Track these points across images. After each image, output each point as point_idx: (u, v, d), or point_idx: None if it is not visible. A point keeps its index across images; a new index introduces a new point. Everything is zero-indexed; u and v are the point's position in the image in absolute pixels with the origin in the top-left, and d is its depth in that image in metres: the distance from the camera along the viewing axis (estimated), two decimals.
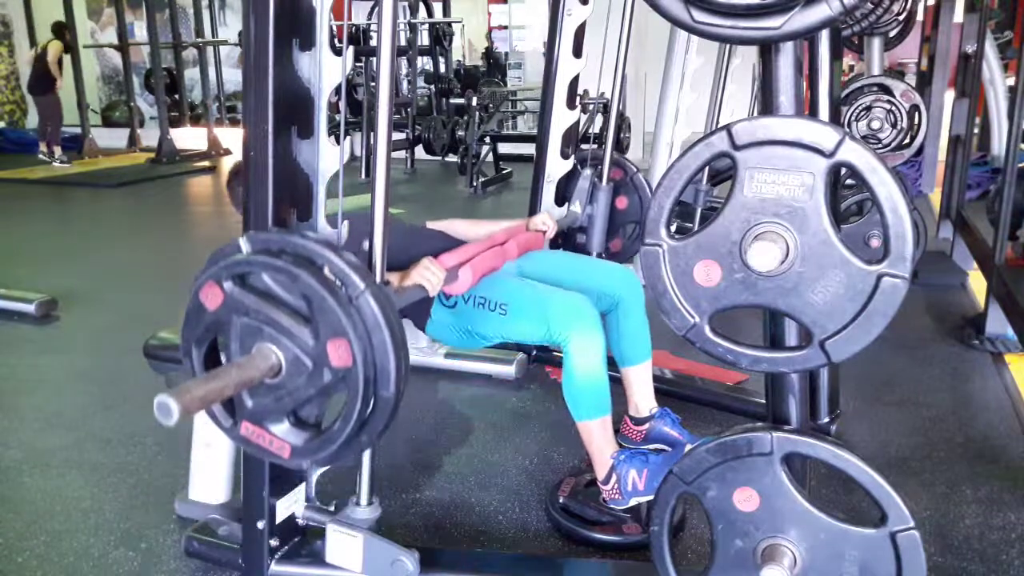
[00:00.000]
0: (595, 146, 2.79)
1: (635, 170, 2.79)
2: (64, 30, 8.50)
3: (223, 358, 1.35)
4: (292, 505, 1.64)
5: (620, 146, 7.32)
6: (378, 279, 1.43)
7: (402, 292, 1.59)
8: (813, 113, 1.79)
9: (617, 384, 2.11)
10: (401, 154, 8.15)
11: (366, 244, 1.45)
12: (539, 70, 2.88)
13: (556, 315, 1.75)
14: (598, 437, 1.80)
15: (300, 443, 1.30)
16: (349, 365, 1.23)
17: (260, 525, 1.58)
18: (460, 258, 1.80)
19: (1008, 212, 3.02)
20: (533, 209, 2.81)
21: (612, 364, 2.07)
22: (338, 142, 1.53)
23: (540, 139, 2.78)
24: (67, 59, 8.64)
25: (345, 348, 1.23)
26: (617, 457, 1.79)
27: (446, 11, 9.58)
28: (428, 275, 1.64)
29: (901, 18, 3.86)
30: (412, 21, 8.53)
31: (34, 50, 8.76)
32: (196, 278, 1.33)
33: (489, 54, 10.77)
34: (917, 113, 3.52)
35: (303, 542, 1.67)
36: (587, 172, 2.60)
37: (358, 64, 7.83)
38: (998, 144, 5.32)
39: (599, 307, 2.03)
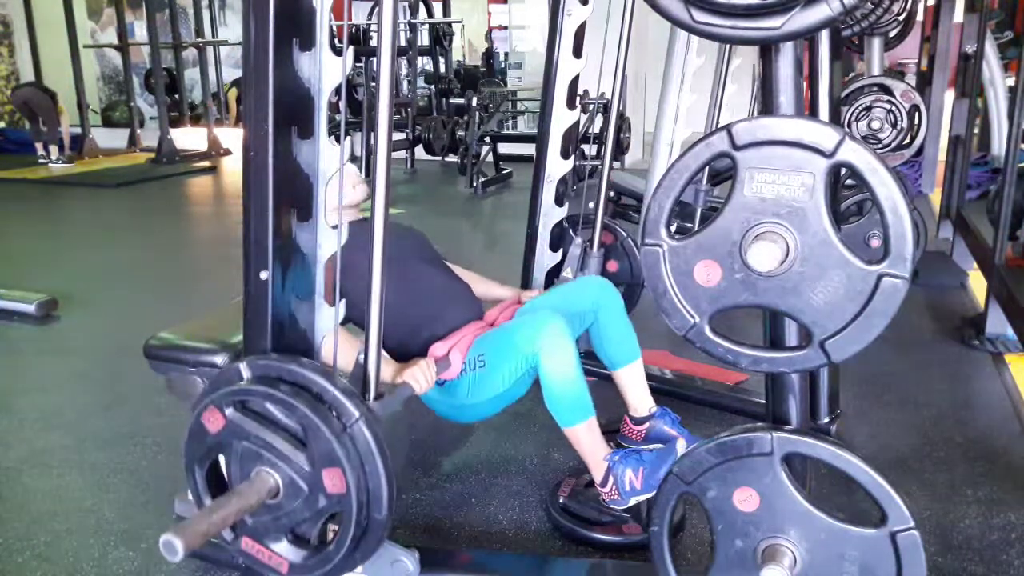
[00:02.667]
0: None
1: (625, 235, 2.89)
2: None
3: (225, 471, 1.44)
4: None
5: (620, 146, 7.32)
6: (372, 395, 1.47)
7: (396, 394, 1.61)
8: (813, 113, 1.79)
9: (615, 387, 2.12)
10: (401, 154, 8.15)
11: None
12: (539, 70, 2.87)
13: (521, 336, 1.76)
14: (587, 440, 1.79)
15: (298, 560, 1.39)
16: (343, 492, 1.32)
17: None
18: (450, 344, 1.85)
19: (1008, 212, 3.02)
20: (533, 210, 2.80)
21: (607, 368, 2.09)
22: (338, 142, 1.53)
23: (540, 139, 2.78)
24: (67, 59, 8.64)
25: (339, 477, 1.31)
26: (611, 458, 1.79)
27: (446, 11, 9.57)
28: (420, 376, 1.67)
29: (901, 18, 3.86)
30: (412, 21, 8.52)
31: None
32: (197, 403, 1.43)
33: (489, 54, 10.77)
34: (917, 113, 3.52)
35: None
36: (578, 240, 2.67)
37: (358, 64, 7.83)
38: (998, 144, 5.32)
39: (584, 325, 2.08)
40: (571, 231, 2.80)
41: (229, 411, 1.38)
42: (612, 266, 2.92)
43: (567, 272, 2.66)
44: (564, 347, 1.73)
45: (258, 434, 1.35)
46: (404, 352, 1.90)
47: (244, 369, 1.40)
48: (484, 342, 1.86)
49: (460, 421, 2.01)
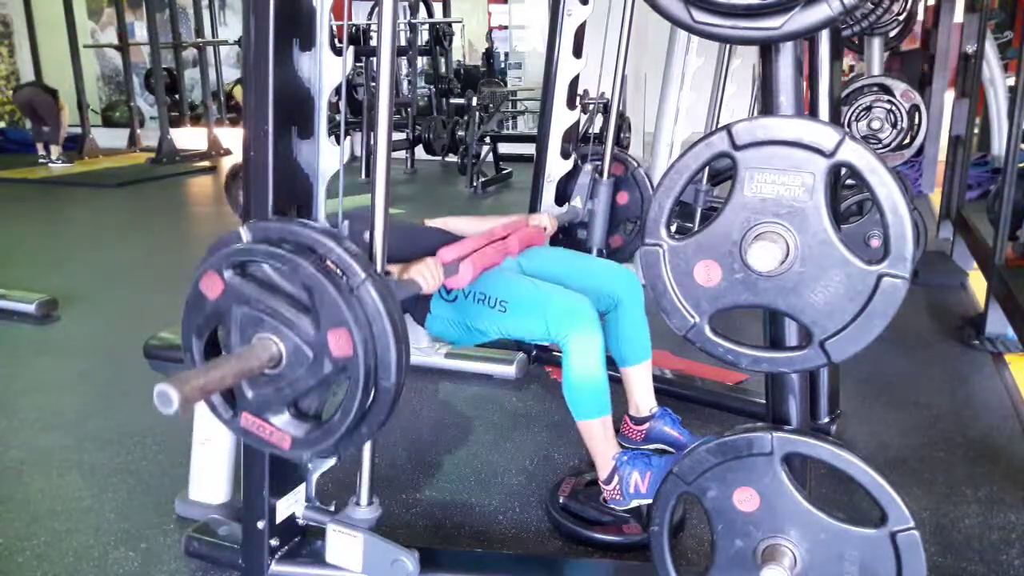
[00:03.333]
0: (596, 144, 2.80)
1: (636, 165, 2.78)
2: None
3: (223, 351, 1.35)
4: (292, 505, 1.64)
5: (620, 146, 7.32)
6: (379, 269, 1.42)
7: (401, 285, 1.58)
8: (813, 113, 1.80)
9: (617, 384, 2.11)
10: (401, 154, 8.15)
11: (367, 235, 1.44)
12: (539, 70, 2.87)
13: (555, 315, 1.75)
14: (599, 437, 1.80)
15: (300, 434, 1.30)
16: (350, 355, 1.23)
17: (260, 525, 1.58)
18: (460, 252, 1.79)
19: (1008, 212, 3.02)
20: (534, 209, 2.81)
21: (612, 364, 2.08)
22: (338, 142, 1.53)
23: (540, 139, 2.78)
24: (67, 59, 8.64)
25: (346, 338, 1.22)
26: (620, 458, 1.79)
27: (446, 11, 9.57)
28: (427, 273, 1.63)
29: (901, 18, 3.86)
30: (412, 21, 8.53)
31: None
32: (196, 267, 1.33)
33: (489, 54, 10.78)
34: (917, 113, 3.52)
35: (303, 542, 1.68)
36: (588, 168, 2.60)
37: (358, 64, 7.83)
38: (998, 144, 5.32)
39: (599, 307, 2.04)
40: (579, 161, 2.73)
41: (228, 274, 1.28)
42: (622, 198, 2.78)
43: (576, 201, 2.58)
44: (595, 341, 1.73)
45: (259, 298, 1.26)
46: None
47: (244, 232, 1.31)
48: (511, 288, 1.84)
49: (448, 337, 1.99)
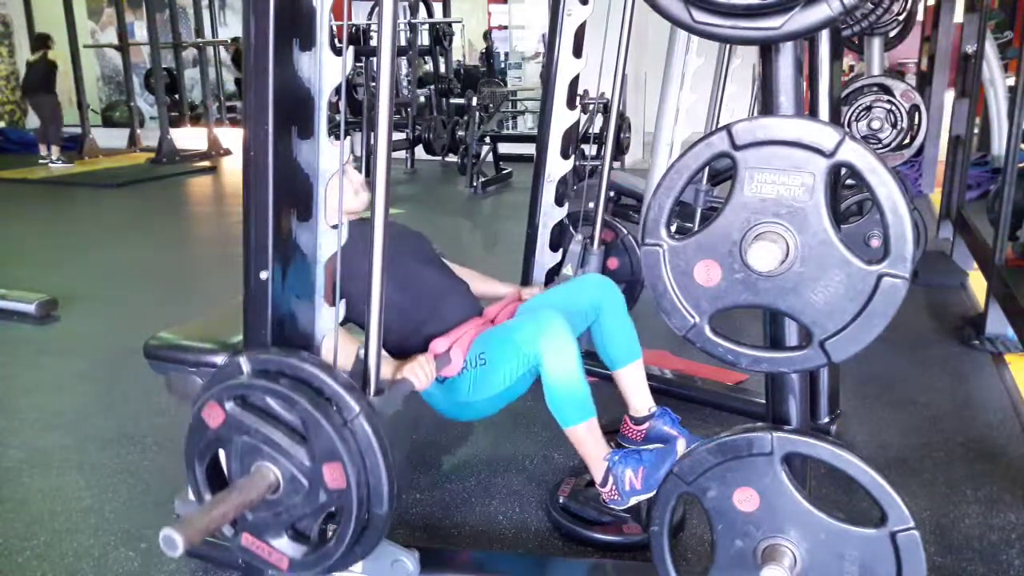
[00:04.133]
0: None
1: (625, 232, 2.89)
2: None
3: (225, 467, 1.43)
4: None
5: (620, 146, 7.32)
6: (372, 390, 1.47)
7: (396, 391, 1.62)
8: (813, 113, 1.79)
9: (615, 387, 2.12)
10: (401, 154, 8.15)
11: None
12: (538, 70, 2.87)
13: (523, 335, 1.76)
14: (587, 441, 1.80)
15: (298, 556, 1.38)
16: (343, 487, 1.31)
17: None
18: (451, 341, 1.85)
19: (1008, 212, 3.02)
20: (533, 210, 2.81)
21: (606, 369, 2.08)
22: (338, 142, 1.52)
23: (540, 139, 2.78)
24: (66, 59, 8.63)
25: (340, 471, 1.30)
26: (611, 458, 1.79)
27: (446, 11, 9.57)
28: (420, 373, 1.68)
29: (901, 18, 3.86)
30: (412, 21, 8.53)
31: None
32: (197, 397, 1.42)
33: (489, 54, 10.77)
34: (917, 113, 3.52)
35: None
36: (579, 237, 2.67)
37: (358, 64, 7.83)
38: (998, 144, 5.32)
39: (585, 323, 2.07)
40: (571, 228, 2.80)
41: (229, 405, 1.37)
42: (612, 263, 2.91)
43: (567, 269, 2.66)
44: (566, 347, 1.73)
45: (258, 428, 1.34)
46: (403, 351, 1.90)
47: (244, 363, 1.39)
48: (485, 340, 1.86)
49: (460, 419, 2.01)
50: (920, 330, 3.23)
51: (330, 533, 1.39)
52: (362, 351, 1.47)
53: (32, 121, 11.05)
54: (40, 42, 8.57)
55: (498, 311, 2.08)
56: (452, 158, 7.99)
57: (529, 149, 3.54)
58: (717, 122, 3.84)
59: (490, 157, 7.55)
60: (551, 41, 2.69)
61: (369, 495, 1.33)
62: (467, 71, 10.35)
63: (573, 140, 2.84)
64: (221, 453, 1.44)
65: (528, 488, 2.09)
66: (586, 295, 2.08)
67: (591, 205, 2.71)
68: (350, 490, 1.31)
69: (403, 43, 8.48)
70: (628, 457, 1.79)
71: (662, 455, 1.76)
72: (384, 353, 1.62)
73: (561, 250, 2.79)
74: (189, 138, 9.54)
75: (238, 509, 1.30)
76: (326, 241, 1.55)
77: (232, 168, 8.58)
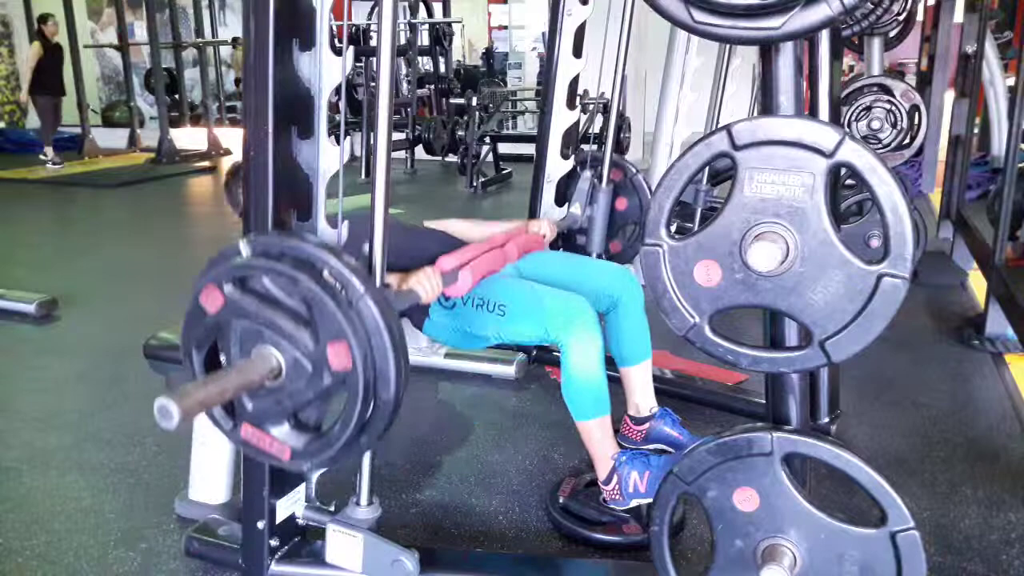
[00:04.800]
0: (595, 147, 2.80)
1: (634, 171, 2.78)
2: (41, 27, 8.31)
3: (223, 360, 1.35)
4: (292, 505, 1.64)
5: (620, 146, 7.32)
6: (378, 282, 1.43)
7: (401, 296, 1.59)
8: (813, 113, 1.79)
9: (617, 384, 2.11)
10: (401, 154, 8.15)
11: (366, 247, 1.44)
12: (533, 71, 2.87)
13: (554, 316, 1.75)
14: (598, 437, 1.80)
15: (300, 446, 1.31)
16: (349, 368, 1.23)
17: (260, 525, 1.58)
18: (459, 260, 1.80)
19: (1008, 212, 3.02)
20: (533, 210, 2.81)
21: (612, 364, 2.08)
22: (338, 142, 1.53)
23: (540, 139, 2.78)
24: (67, 59, 8.61)
25: (345, 351, 1.23)
26: (619, 458, 1.79)
27: (446, 11, 9.57)
28: (426, 283, 1.64)
29: (901, 18, 3.86)
30: (412, 21, 8.53)
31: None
32: (196, 281, 1.33)
33: (489, 55, 10.78)
34: (917, 113, 3.52)
35: (303, 542, 1.68)
36: (587, 174, 2.61)
37: (358, 64, 7.83)
38: (998, 144, 5.32)
39: (598, 307, 2.03)
40: (578, 168, 2.74)
41: (228, 288, 1.29)
42: (621, 203, 2.78)
43: (575, 207, 2.59)
44: (593, 342, 1.73)
45: (259, 312, 1.27)
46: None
47: (243, 246, 1.31)
48: (508, 291, 1.84)
49: (451, 344, 2.00)
50: (920, 330, 3.23)
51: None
52: (366, 247, 1.42)
53: (32, 121, 11.07)
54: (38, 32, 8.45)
55: (505, 239, 2.02)
56: (452, 158, 7.98)
57: (529, 149, 3.54)
58: (717, 122, 3.84)
59: (490, 157, 7.55)
60: (551, 41, 2.69)
61: (376, 377, 1.25)
62: (467, 71, 10.35)
63: (573, 140, 2.84)
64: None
65: (528, 488, 2.09)
66: (610, 284, 2.06)
67: (598, 149, 2.61)
68: (356, 371, 1.23)
69: (403, 43, 8.48)
70: (635, 459, 1.79)
71: (670, 462, 1.75)
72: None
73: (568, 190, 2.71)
74: (189, 138, 9.53)
75: (237, 389, 1.23)
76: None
77: None
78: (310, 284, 1.23)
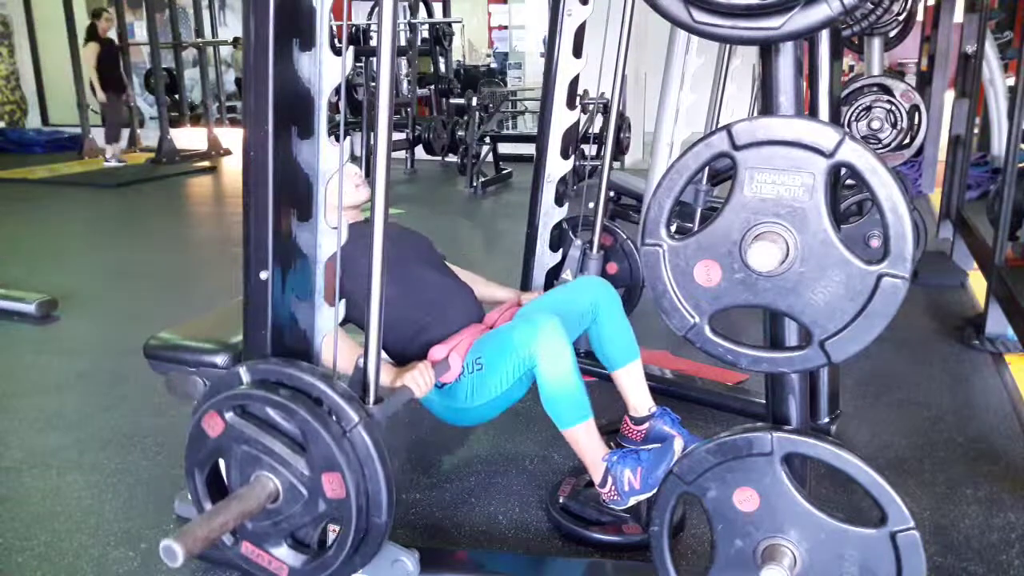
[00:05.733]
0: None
1: (624, 237, 2.90)
2: (95, 23, 8.17)
3: (224, 476, 1.45)
4: None
5: (620, 146, 7.32)
6: (372, 399, 1.47)
7: (395, 398, 1.61)
8: (813, 113, 1.79)
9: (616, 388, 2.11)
10: (401, 154, 8.15)
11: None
12: (538, 70, 2.88)
13: (518, 338, 1.76)
14: (585, 442, 1.80)
15: (297, 565, 1.39)
16: (343, 497, 1.32)
17: None
18: (449, 348, 1.85)
19: (1008, 212, 3.02)
20: (533, 210, 2.81)
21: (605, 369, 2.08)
22: (338, 142, 1.53)
23: (540, 139, 2.78)
24: (67, 59, 8.61)
25: (339, 481, 1.31)
26: (610, 459, 1.79)
27: (446, 11, 9.57)
28: (419, 379, 1.67)
29: (901, 18, 3.85)
30: (412, 21, 8.53)
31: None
32: (197, 407, 1.44)
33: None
34: (917, 113, 3.52)
35: None
36: (578, 242, 2.67)
37: (358, 64, 7.83)
38: (998, 144, 5.31)
39: (583, 325, 2.07)
40: (571, 232, 2.80)
41: (229, 415, 1.38)
42: (612, 268, 2.93)
43: (566, 274, 2.67)
44: (561, 349, 1.73)
45: (258, 438, 1.35)
46: (403, 355, 1.90)
47: (244, 373, 1.41)
48: (482, 345, 1.86)
49: (460, 425, 2.01)
50: (920, 330, 3.24)
51: (331, 537, 1.40)
52: (361, 359, 1.48)
53: (32, 121, 11.07)
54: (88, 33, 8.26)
55: (497, 316, 2.08)
56: (452, 158, 7.98)
57: (529, 149, 3.54)
58: (717, 122, 3.84)
59: (490, 157, 7.55)
60: (551, 41, 2.69)
61: (368, 504, 1.34)
62: (467, 71, 10.35)
63: (573, 140, 2.84)
64: (221, 464, 1.44)
65: (528, 488, 2.09)
66: (584, 297, 2.07)
67: (591, 206, 2.71)
68: (349, 499, 1.31)
69: (403, 43, 8.48)
70: (626, 457, 1.79)
71: (660, 454, 1.77)
72: (384, 357, 1.62)
73: (561, 253, 2.79)
74: (189, 138, 9.53)
75: (238, 519, 1.31)
76: (326, 241, 1.55)
77: (232, 168, 8.58)
78: (306, 416, 1.32)
